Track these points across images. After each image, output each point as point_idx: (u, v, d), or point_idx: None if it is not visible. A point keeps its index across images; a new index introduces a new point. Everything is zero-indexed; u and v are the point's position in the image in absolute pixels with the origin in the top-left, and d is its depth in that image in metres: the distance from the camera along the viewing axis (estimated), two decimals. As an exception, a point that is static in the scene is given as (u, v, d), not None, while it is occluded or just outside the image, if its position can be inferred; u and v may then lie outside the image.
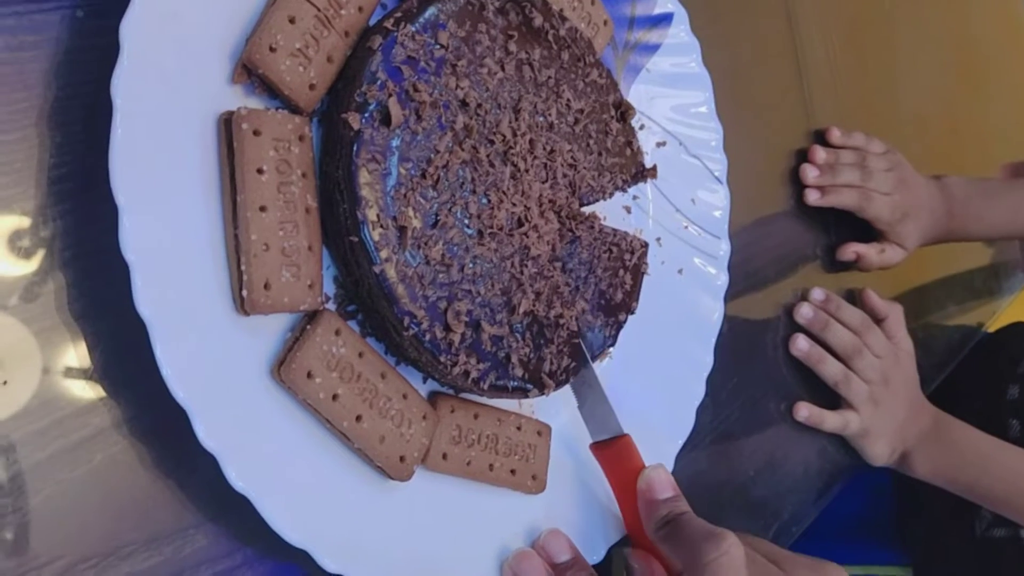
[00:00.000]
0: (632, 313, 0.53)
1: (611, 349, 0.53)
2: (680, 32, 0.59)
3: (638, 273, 0.53)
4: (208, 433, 0.36)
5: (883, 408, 0.75)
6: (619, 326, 0.52)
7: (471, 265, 0.43)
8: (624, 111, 0.52)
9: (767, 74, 0.78)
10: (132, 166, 0.35)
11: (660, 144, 0.59)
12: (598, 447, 0.51)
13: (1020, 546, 0.85)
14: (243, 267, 0.37)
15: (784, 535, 0.71)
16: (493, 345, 0.44)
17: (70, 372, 0.38)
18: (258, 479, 0.37)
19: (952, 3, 1.08)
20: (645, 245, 0.53)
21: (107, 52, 0.35)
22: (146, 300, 0.34)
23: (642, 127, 0.57)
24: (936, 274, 0.99)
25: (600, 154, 0.50)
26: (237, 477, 0.37)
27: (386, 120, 0.40)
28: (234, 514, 0.41)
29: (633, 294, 0.53)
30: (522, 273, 0.45)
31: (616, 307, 0.52)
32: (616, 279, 0.51)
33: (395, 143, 0.40)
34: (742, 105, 0.73)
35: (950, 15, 1.08)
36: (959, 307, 1.04)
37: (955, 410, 0.81)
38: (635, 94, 0.57)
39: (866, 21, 0.92)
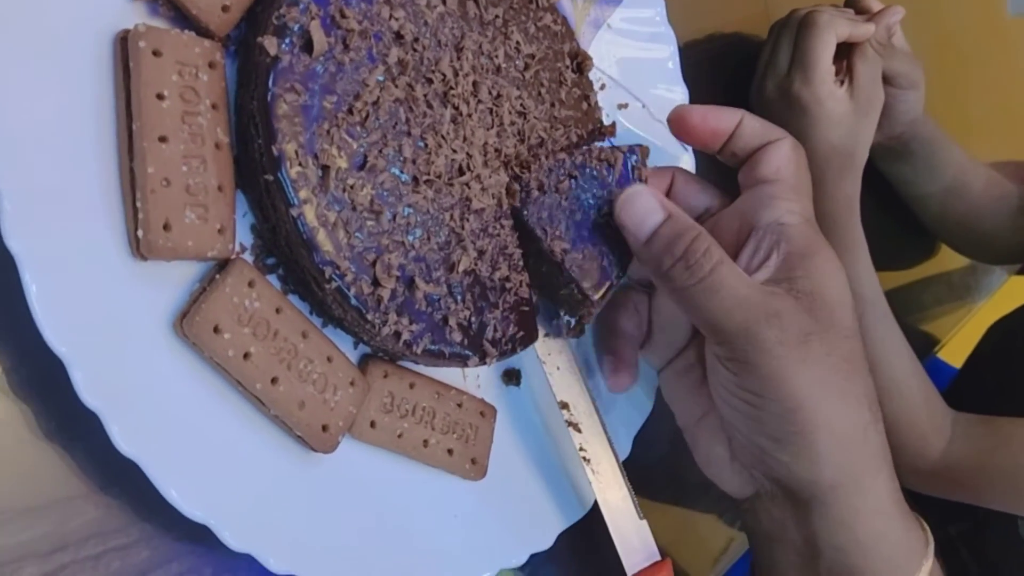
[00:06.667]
0: None
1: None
2: (644, -14, 0.56)
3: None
4: (88, 387, 0.31)
5: None
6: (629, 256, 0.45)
7: (404, 214, 0.39)
8: (581, 62, 0.48)
9: (737, 39, 0.75)
10: (11, 82, 0.31)
11: (622, 106, 0.55)
12: None
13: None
14: (139, 204, 0.33)
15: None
16: (428, 305, 0.40)
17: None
18: (150, 443, 0.33)
19: (930, -2, 1.07)
20: (634, 148, 0.46)
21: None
22: (16, 231, 0.30)
23: (603, 87, 0.53)
24: (914, 272, 0.98)
25: (553, 104, 0.46)
26: (123, 439, 0.32)
27: (308, 47, 0.36)
28: (130, 484, 0.36)
29: None
30: (463, 228, 0.41)
31: (620, 237, 0.44)
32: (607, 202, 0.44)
33: (318, 72, 0.36)
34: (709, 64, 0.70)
35: (928, 10, 1.06)
36: (938, 305, 1.03)
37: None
38: (595, 51, 0.54)
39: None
